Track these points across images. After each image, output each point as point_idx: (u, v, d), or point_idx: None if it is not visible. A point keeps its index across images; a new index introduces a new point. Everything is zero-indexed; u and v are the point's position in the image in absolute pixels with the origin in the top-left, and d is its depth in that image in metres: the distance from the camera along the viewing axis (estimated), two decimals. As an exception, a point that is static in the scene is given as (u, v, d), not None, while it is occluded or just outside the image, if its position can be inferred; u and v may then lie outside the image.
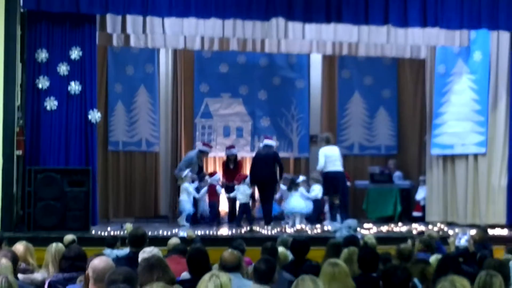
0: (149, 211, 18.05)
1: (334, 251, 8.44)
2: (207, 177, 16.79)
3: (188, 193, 16.00)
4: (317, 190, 16.17)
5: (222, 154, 18.33)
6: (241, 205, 15.93)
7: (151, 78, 18.19)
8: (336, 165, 15.74)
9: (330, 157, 15.66)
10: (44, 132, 13.92)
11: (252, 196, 16.45)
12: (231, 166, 17.35)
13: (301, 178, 16.57)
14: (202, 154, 17.05)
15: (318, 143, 16.87)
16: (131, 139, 17.98)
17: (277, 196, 17.00)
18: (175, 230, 13.90)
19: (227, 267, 6.85)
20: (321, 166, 15.70)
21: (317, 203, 16.25)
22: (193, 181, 16.33)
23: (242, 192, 15.85)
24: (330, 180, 15.70)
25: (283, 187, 16.38)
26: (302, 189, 16.04)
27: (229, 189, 16.74)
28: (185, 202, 15.96)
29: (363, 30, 15.52)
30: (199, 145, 17.57)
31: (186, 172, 16.23)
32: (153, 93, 18.20)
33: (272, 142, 16.31)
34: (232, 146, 17.70)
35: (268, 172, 15.63)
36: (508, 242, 13.60)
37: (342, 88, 19.29)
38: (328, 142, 15.98)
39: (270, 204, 15.89)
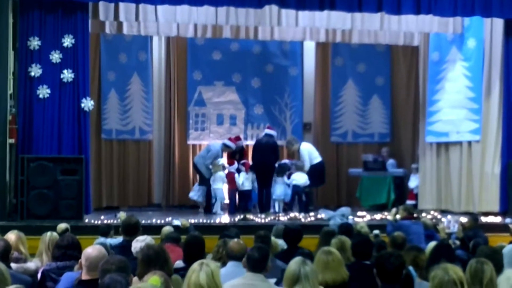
0: (142, 200, 18.03)
1: (327, 239, 8.44)
2: (227, 166, 16.83)
3: (223, 181, 16.18)
4: (297, 177, 16.38)
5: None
6: (247, 191, 16.35)
7: (144, 66, 18.12)
8: (319, 156, 16.78)
9: (312, 150, 16.79)
10: (36, 120, 13.87)
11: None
12: (237, 157, 17.33)
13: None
14: (226, 148, 17.03)
15: (291, 148, 17.34)
16: (125, 127, 17.90)
17: None
18: (168, 219, 13.90)
19: (233, 256, 6.87)
20: (308, 165, 16.60)
21: (297, 190, 16.36)
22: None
23: (253, 179, 16.35)
24: (319, 170, 16.64)
25: None
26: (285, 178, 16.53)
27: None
28: (221, 190, 16.20)
29: (356, 17, 15.50)
30: (225, 139, 17.43)
31: (222, 161, 16.54)
32: (146, 81, 18.14)
33: (273, 132, 16.85)
34: (238, 138, 17.62)
35: (268, 159, 16.13)
36: (500, 229, 13.66)
37: (336, 75, 19.25)
38: (297, 141, 17.04)
39: (269, 191, 16.21)
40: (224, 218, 14.94)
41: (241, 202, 16.43)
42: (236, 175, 16.60)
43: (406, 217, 11.31)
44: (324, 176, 17.02)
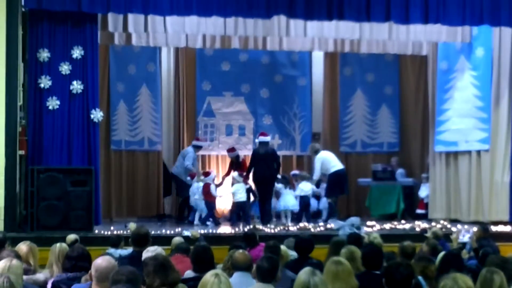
0: (151, 210, 18.02)
1: (337, 249, 8.42)
2: (202, 177, 16.52)
3: (199, 193, 16.08)
4: (304, 188, 16.23)
5: (224, 153, 18.28)
6: (241, 203, 16.00)
7: (153, 77, 18.16)
8: (339, 164, 16.16)
9: (329, 159, 16.13)
10: (46, 131, 13.91)
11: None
12: (234, 167, 17.26)
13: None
14: (198, 149, 17.03)
15: (311, 155, 16.92)
16: (134, 138, 17.94)
17: None
18: (178, 229, 13.93)
19: (239, 267, 6.87)
20: (317, 174, 16.18)
21: (304, 200, 16.21)
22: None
23: (244, 190, 15.98)
24: (338, 179, 16.05)
25: (277, 185, 16.38)
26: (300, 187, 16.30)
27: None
28: (202, 202, 16.04)
29: (364, 27, 15.53)
30: (193, 141, 17.42)
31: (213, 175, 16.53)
32: (155, 92, 18.17)
33: (267, 138, 16.35)
34: (233, 149, 17.61)
35: (269, 171, 15.76)
36: (510, 238, 13.63)
37: (344, 85, 19.26)
38: (317, 152, 16.32)
39: (270, 202, 15.95)
40: (233, 229, 14.86)
41: (238, 213, 16.10)
42: (212, 186, 16.25)
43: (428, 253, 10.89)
44: (343, 186, 16.29)
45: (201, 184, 16.10)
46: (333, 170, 16.07)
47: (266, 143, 16.18)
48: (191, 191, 16.19)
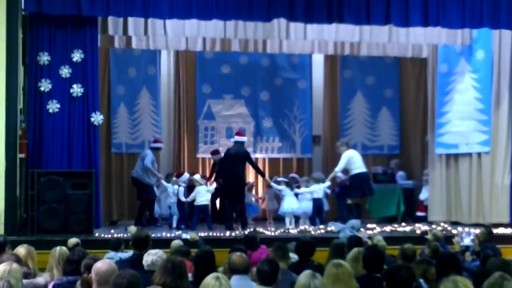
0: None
1: (337, 251, 8.42)
2: (174, 178, 16.42)
3: (175, 195, 15.99)
4: (317, 190, 16.09)
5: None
6: (202, 206, 15.69)
7: (153, 79, 18.17)
8: (362, 167, 15.82)
9: (355, 158, 15.76)
10: (46, 135, 13.93)
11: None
12: (216, 169, 17.07)
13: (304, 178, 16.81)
14: (156, 150, 16.54)
15: (339, 148, 16.29)
16: (134, 141, 17.93)
17: (260, 195, 17.82)
18: (178, 232, 13.90)
19: (236, 270, 6.86)
20: (341, 167, 15.80)
21: (318, 203, 16.09)
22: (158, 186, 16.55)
23: (205, 193, 15.76)
24: (361, 181, 15.72)
25: (275, 185, 16.21)
26: (303, 189, 16.17)
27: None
28: (175, 204, 15.97)
29: (364, 29, 15.54)
30: (151, 144, 16.92)
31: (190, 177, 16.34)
32: (155, 94, 18.17)
33: (243, 138, 15.89)
34: (216, 151, 17.44)
35: (235, 171, 15.23)
36: (511, 240, 13.63)
37: (344, 88, 19.28)
38: (348, 146, 16.07)
39: (243, 205, 15.47)
40: (233, 232, 14.79)
41: (199, 216, 15.89)
42: (181, 188, 16.03)
43: (430, 256, 10.84)
44: (364, 188, 15.73)
45: (176, 186, 16.05)
46: (355, 171, 15.71)
47: (241, 143, 15.62)
48: (168, 193, 16.12)
